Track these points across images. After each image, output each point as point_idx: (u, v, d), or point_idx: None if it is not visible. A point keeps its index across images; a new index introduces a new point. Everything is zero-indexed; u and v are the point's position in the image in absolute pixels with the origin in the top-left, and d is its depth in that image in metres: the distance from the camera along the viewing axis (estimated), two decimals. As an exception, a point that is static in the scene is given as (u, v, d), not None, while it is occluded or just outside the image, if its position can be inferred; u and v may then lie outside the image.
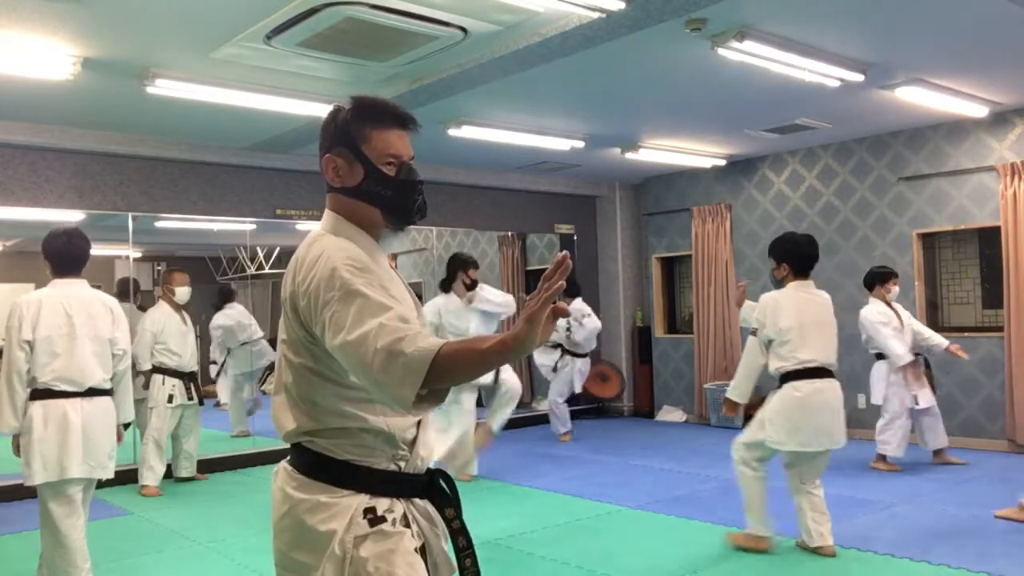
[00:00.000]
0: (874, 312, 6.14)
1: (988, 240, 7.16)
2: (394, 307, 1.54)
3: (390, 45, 4.50)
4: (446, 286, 6.29)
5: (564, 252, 1.43)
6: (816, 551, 4.17)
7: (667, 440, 7.97)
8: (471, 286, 6.19)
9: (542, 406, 9.57)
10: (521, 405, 9.49)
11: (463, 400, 5.96)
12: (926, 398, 6.08)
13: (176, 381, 6.23)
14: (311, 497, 1.69)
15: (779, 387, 4.22)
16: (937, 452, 6.24)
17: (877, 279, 6.26)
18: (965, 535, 4.45)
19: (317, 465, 1.71)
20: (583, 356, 8.16)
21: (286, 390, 1.72)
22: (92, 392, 3.60)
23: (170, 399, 6.19)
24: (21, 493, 5.70)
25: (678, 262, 9.71)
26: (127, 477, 6.07)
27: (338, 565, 1.64)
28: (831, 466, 6.45)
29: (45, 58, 4.46)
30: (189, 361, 6.31)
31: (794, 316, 4.14)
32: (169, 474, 6.39)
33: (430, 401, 1.50)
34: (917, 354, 6.15)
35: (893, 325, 6.09)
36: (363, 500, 1.67)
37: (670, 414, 9.26)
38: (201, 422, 6.63)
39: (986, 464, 6.19)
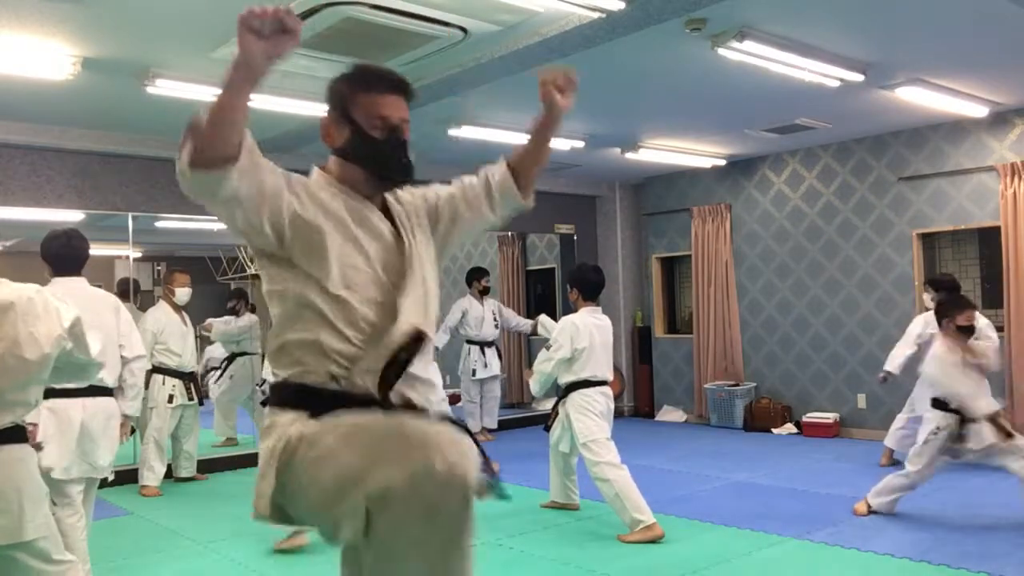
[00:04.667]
0: None
1: (988, 240, 7.16)
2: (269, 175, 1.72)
3: (390, 45, 4.50)
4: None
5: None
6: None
7: (667, 440, 7.98)
8: (484, 291, 7.30)
9: (543, 406, 9.58)
10: (520, 405, 9.54)
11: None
12: None
13: (176, 381, 6.23)
14: (263, 426, 1.81)
15: (566, 395, 4.93)
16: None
17: None
18: (965, 535, 4.45)
19: (271, 392, 1.84)
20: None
21: None
22: (94, 391, 3.60)
23: (170, 399, 6.19)
24: (21, 493, 5.70)
25: (678, 262, 9.71)
26: (127, 477, 6.08)
27: (271, 461, 1.72)
28: (836, 467, 6.49)
29: (45, 58, 4.45)
30: (189, 361, 6.31)
31: (587, 339, 4.86)
32: (169, 474, 6.39)
33: (216, 165, 1.63)
34: None
35: None
36: (301, 414, 1.72)
37: (670, 414, 9.26)
38: (201, 422, 6.63)
39: (986, 463, 6.19)
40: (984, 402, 4.56)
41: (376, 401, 1.72)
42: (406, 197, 2.00)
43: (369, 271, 1.79)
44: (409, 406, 1.77)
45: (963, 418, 4.55)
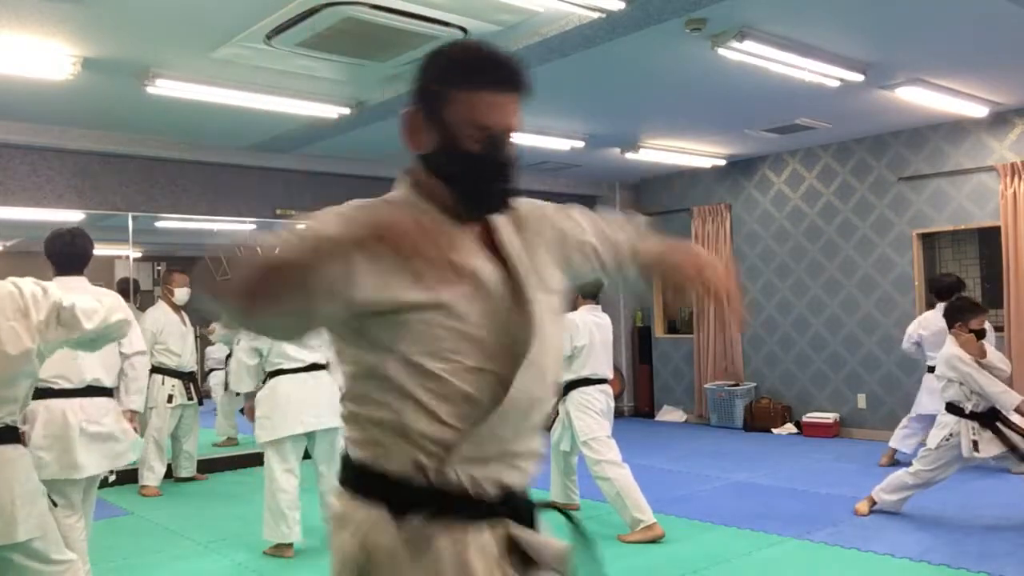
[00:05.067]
0: None
1: (988, 240, 7.17)
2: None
3: (390, 45, 4.50)
4: None
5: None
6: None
7: (667, 440, 7.98)
8: None
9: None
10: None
11: None
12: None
13: (176, 381, 6.23)
14: (332, 507, 1.46)
15: (566, 393, 4.88)
16: None
17: None
18: (965, 535, 4.45)
19: (343, 467, 1.46)
20: None
21: None
22: (91, 391, 3.60)
23: (170, 399, 6.19)
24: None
25: (678, 262, 9.70)
26: (127, 477, 6.07)
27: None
28: (836, 467, 6.49)
29: (45, 58, 4.45)
30: (188, 361, 6.32)
31: (587, 337, 4.87)
32: (169, 474, 6.39)
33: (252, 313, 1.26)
34: None
35: None
36: (381, 514, 1.36)
37: (670, 414, 9.26)
38: (201, 422, 6.63)
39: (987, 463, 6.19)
40: (1012, 395, 4.48)
41: (473, 499, 1.38)
42: (528, 215, 1.53)
43: (465, 329, 1.35)
44: (508, 496, 1.42)
45: (981, 423, 4.53)
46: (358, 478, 1.41)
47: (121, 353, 3.81)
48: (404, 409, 1.34)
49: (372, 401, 1.37)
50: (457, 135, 1.37)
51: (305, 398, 4.44)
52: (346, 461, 1.45)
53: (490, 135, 1.38)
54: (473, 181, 1.39)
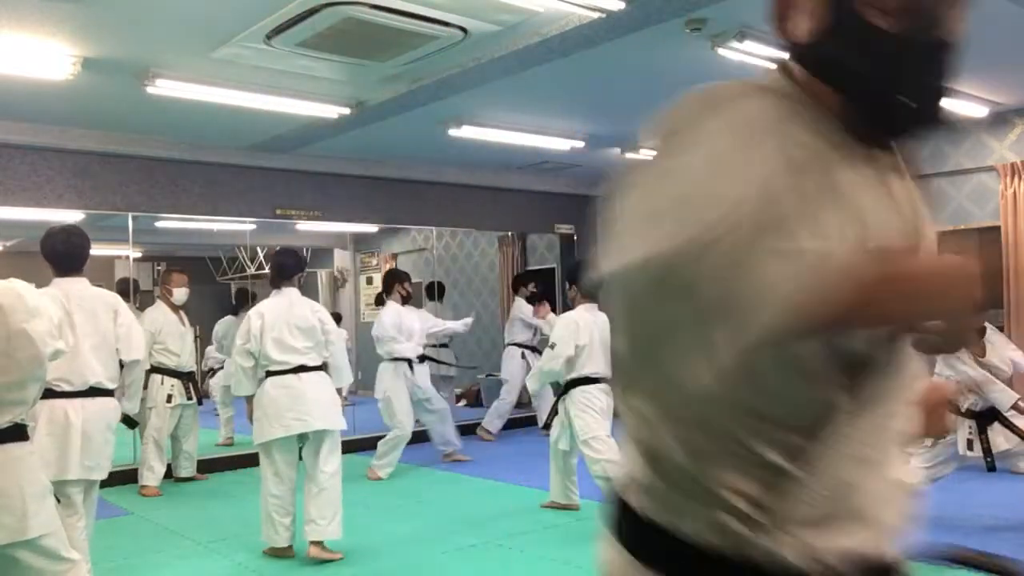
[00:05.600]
0: None
1: (988, 240, 7.16)
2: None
3: (390, 45, 4.51)
4: (382, 299, 6.99)
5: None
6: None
7: (667, 440, 7.97)
8: (407, 298, 6.82)
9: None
10: (521, 405, 9.54)
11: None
12: None
13: (175, 381, 6.23)
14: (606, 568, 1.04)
15: (566, 392, 4.98)
16: None
17: None
18: (965, 535, 4.45)
19: (619, 514, 1.04)
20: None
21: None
22: (93, 392, 3.59)
23: (169, 399, 6.19)
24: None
25: (678, 262, 9.71)
26: (127, 477, 6.07)
27: None
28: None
29: (45, 58, 4.46)
30: (187, 361, 6.31)
31: (587, 336, 4.92)
32: (169, 474, 6.38)
33: None
34: None
35: None
36: None
37: (670, 414, 9.26)
38: (201, 422, 6.63)
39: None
40: (1008, 393, 4.50)
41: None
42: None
43: None
44: (865, 573, 0.93)
45: (979, 423, 4.53)
46: (647, 540, 0.97)
47: (120, 360, 3.78)
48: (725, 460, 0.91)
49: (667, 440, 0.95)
50: (862, 6, 0.88)
51: (292, 400, 4.36)
52: (624, 511, 1.02)
53: (917, 10, 0.88)
54: (881, 76, 0.90)
